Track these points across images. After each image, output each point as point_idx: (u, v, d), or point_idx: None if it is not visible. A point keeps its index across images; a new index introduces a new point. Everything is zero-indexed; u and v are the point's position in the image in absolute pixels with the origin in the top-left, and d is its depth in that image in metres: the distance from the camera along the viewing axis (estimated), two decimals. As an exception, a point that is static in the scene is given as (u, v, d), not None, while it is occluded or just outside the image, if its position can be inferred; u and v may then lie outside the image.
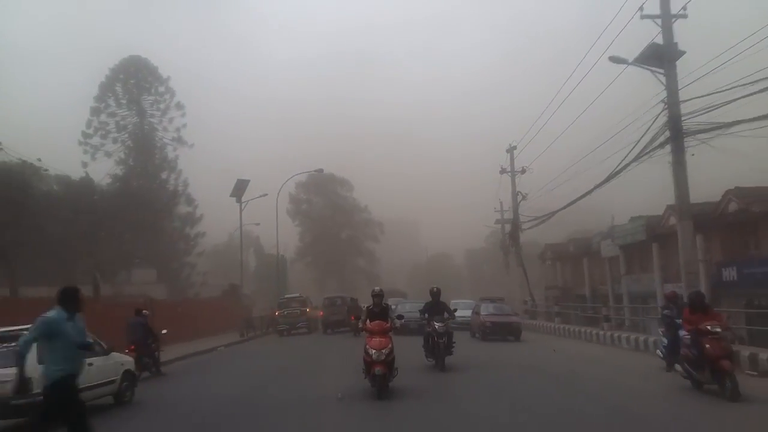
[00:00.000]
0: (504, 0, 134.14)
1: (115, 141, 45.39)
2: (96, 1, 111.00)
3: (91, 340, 7.77)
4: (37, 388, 6.58)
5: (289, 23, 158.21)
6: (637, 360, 15.07)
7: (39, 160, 30.01)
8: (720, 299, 20.26)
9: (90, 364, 8.42)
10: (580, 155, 23.16)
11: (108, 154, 44.65)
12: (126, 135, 46.11)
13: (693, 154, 13.70)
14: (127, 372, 10.67)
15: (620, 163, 15.18)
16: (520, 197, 30.39)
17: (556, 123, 24.20)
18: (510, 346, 19.45)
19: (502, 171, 31.82)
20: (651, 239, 24.64)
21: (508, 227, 35.23)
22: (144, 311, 14.93)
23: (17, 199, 25.68)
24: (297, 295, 30.29)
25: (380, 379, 9.83)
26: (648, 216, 26.04)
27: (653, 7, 13.76)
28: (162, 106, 46.73)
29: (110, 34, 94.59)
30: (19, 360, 5.72)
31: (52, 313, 5.76)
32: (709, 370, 9.35)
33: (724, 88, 12.10)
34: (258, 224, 47.72)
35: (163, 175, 46.14)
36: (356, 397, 9.90)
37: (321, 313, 29.14)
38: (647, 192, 30.74)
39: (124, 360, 10.96)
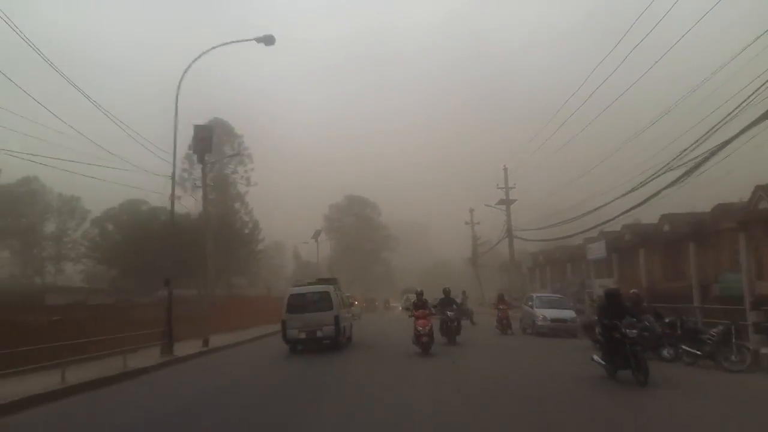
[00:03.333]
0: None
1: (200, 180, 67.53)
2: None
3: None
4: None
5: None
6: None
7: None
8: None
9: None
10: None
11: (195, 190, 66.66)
12: (209, 176, 68.69)
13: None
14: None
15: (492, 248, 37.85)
16: (479, 239, 53.47)
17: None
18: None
19: (467, 223, 54.63)
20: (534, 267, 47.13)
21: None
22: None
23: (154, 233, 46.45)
24: (349, 294, 54.23)
25: (426, 345, 16.02)
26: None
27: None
28: (235, 154, 69.20)
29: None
30: None
31: None
32: (499, 324, 24.17)
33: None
34: (306, 243, 70.35)
35: (236, 206, 68.69)
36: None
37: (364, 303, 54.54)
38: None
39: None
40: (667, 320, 13.99)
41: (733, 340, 12.39)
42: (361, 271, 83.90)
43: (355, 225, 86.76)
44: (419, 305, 17.14)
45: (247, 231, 64.75)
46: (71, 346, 13.10)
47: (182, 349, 17.97)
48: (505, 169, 35.73)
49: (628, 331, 10.55)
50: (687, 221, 22.76)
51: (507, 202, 36.07)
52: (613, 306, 11.21)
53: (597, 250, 29.06)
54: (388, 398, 9.56)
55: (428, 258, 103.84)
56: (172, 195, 19.72)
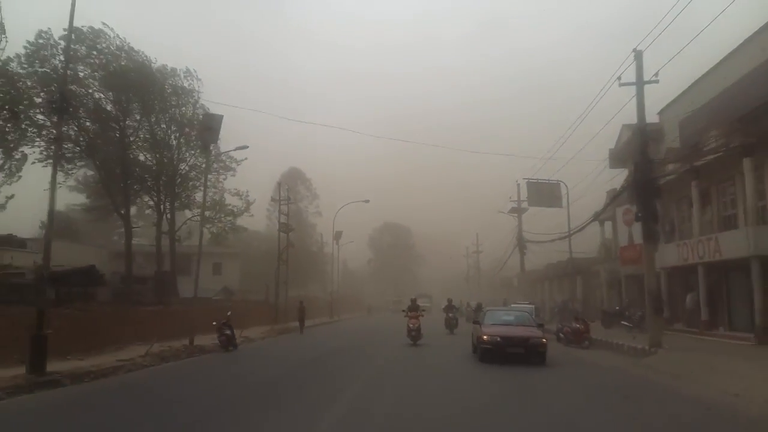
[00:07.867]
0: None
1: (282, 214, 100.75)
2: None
3: None
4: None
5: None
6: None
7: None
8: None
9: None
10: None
11: (277, 221, 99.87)
12: (288, 211, 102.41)
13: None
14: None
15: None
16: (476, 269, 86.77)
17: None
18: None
19: (464, 255, 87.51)
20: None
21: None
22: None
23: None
24: (399, 299, 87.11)
25: (415, 337, 23.45)
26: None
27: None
28: (307, 194, 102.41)
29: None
30: None
31: None
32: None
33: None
34: (369, 262, 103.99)
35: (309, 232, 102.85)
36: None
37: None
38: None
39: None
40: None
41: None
42: (394, 282, 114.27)
43: (391, 246, 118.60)
44: (413, 308, 24.94)
45: (315, 250, 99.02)
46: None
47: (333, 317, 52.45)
48: (476, 235, 69.38)
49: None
50: (541, 271, 56.27)
51: (477, 262, 69.46)
52: (476, 308, 38.93)
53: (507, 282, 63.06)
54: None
55: (451, 268, 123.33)
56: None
